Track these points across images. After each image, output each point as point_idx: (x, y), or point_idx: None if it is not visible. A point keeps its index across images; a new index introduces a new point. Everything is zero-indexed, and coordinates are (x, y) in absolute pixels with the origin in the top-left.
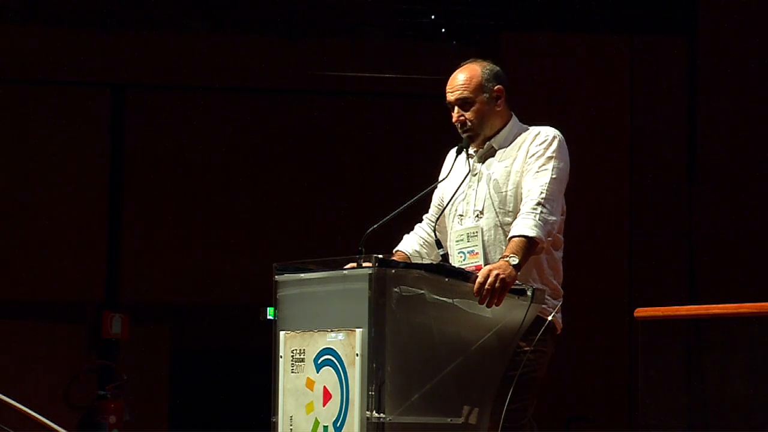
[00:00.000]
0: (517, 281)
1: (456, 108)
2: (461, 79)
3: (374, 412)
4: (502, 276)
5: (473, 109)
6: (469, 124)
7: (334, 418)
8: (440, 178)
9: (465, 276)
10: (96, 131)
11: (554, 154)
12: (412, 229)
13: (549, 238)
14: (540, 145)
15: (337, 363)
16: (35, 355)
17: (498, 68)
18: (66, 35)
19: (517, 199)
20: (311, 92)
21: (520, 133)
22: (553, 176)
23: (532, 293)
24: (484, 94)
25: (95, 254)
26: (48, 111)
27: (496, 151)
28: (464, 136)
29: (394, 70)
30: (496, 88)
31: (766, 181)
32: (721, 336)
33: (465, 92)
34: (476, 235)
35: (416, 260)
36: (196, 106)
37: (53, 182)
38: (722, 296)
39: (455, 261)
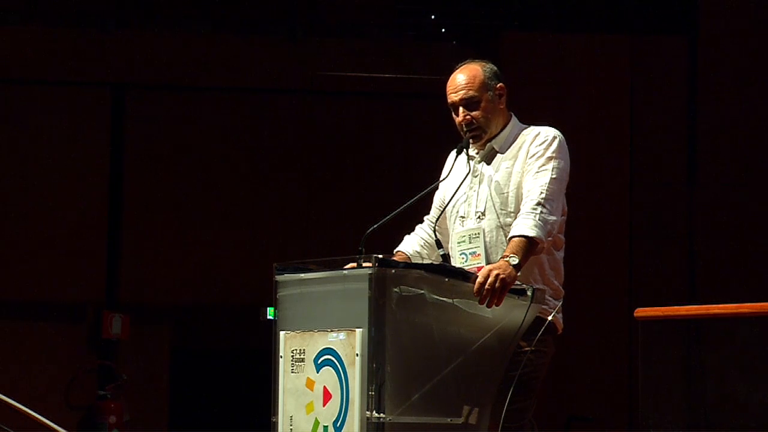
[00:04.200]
0: (517, 281)
1: (461, 108)
2: (464, 79)
3: (374, 412)
4: (502, 276)
5: (480, 107)
6: (476, 123)
7: (334, 418)
8: (440, 179)
9: (465, 276)
10: (96, 131)
11: (554, 155)
12: (413, 229)
13: (549, 238)
14: (540, 145)
15: (337, 363)
16: (35, 355)
17: (496, 67)
18: (66, 35)
19: (519, 200)
20: (311, 92)
21: (521, 134)
22: (553, 176)
23: (532, 293)
24: (489, 92)
25: (95, 254)
26: (48, 111)
27: (496, 152)
28: (470, 135)
29: (394, 70)
30: (498, 85)
31: (765, 181)
32: (721, 336)
33: (470, 91)
34: (478, 237)
35: (417, 261)
36: (196, 106)
37: (53, 182)
38: (722, 296)
39: (457, 262)
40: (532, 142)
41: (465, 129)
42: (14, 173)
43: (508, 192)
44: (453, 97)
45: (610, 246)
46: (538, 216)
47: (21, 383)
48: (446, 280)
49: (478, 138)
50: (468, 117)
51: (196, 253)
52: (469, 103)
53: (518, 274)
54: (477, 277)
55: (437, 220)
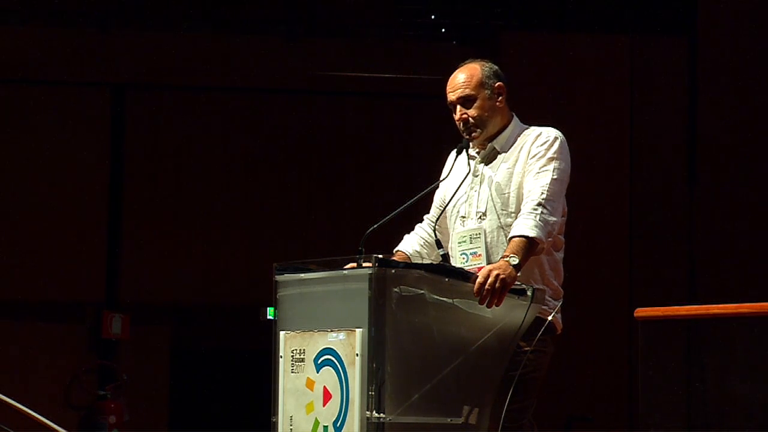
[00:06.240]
0: (517, 281)
1: (458, 107)
2: (462, 78)
3: (374, 412)
4: (502, 276)
5: (475, 105)
6: (472, 120)
7: (334, 418)
8: (441, 179)
9: (465, 276)
10: (96, 131)
11: (555, 155)
12: (413, 229)
13: (549, 239)
14: (541, 146)
15: (337, 363)
16: (35, 355)
17: (497, 67)
18: (66, 35)
19: (519, 201)
20: (311, 92)
21: (522, 134)
22: (554, 177)
23: (532, 293)
24: (486, 90)
25: (95, 254)
26: (48, 111)
27: (497, 152)
28: (467, 134)
29: (394, 70)
30: (497, 84)
31: (765, 181)
32: (721, 336)
33: (467, 90)
34: (479, 237)
35: (416, 260)
36: (196, 106)
37: (53, 182)
38: (722, 296)
39: (457, 262)
40: (533, 143)
41: (462, 127)
42: (14, 173)
43: (509, 192)
44: (451, 96)
45: (610, 246)
46: (538, 216)
47: (21, 383)
48: (446, 280)
49: (473, 137)
50: (465, 115)
51: (196, 253)
52: (465, 101)
53: (518, 274)
54: (477, 277)
55: (437, 219)
